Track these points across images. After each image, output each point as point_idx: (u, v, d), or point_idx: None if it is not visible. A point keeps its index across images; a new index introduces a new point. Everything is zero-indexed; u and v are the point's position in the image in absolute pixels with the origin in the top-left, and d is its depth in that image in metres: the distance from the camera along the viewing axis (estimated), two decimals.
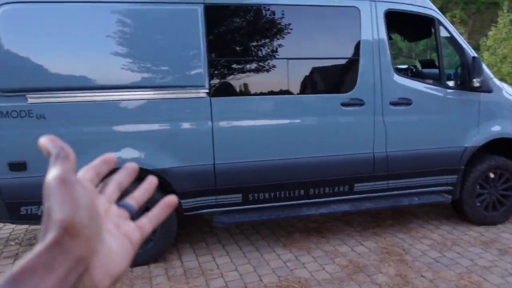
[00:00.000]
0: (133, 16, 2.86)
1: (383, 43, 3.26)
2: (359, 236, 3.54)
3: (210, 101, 2.95)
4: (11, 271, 0.25)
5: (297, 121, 3.17)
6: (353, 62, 3.25)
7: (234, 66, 3.07)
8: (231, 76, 3.07)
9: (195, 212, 3.12)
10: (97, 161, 0.36)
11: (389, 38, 3.62)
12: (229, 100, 3.05)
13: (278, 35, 3.12)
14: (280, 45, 3.11)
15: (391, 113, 3.30)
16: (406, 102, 3.33)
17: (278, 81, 3.16)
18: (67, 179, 0.29)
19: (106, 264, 0.30)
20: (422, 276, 2.84)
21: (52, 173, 0.29)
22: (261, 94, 3.13)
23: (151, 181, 0.40)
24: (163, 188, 2.90)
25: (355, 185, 3.36)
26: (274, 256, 3.19)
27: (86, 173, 0.34)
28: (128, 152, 2.86)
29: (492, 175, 3.63)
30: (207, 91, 2.95)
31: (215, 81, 3.00)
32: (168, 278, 2.86)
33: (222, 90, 3.05)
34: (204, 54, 2.91)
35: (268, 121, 3.12)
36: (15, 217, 2.83)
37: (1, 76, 2.63)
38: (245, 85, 3.09)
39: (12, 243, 3.49)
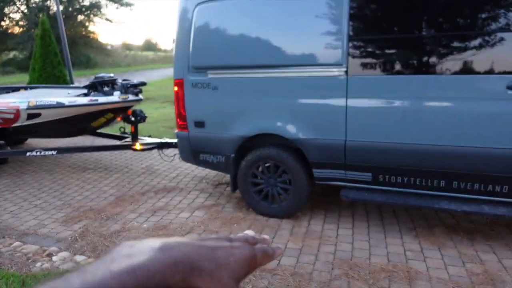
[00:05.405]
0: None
1: None
2: None
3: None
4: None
5: (441, 105, 2.87)
6: None
7: (375, 44, 3.04)
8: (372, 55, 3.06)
9: (325, 182, 3.38)
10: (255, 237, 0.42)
11: None
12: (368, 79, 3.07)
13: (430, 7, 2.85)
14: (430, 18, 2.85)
15: None
16: None
17: (422, 60, 2.92)
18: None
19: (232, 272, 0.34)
20: None
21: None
22: (406, 73, 2.99)
23: (274, 248, 0.40)
24: (299, 156, 3.36)
25: None
26: (398, 242, 3.10)
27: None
28: (271, 121, 3.40)
29: None
30: None
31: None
32: (291, 233, 3.30)
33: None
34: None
35: (405, 103, 2.97)
36: (197, 161, 3.89)
37: (193, 58, 3.61)
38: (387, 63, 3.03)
39: (204, 181, 4.72)
